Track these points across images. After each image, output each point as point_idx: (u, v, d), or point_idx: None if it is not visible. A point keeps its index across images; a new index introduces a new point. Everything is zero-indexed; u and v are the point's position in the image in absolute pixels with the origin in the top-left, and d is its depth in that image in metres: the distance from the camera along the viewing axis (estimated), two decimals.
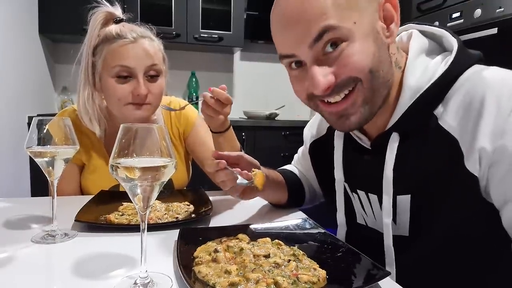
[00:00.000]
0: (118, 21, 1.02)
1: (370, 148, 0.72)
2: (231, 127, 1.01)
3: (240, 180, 0.75)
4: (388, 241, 0.68)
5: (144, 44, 0.99)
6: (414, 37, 0.69)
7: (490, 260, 0.64)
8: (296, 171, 1.02)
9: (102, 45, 0.99)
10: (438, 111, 0.63)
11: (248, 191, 0.83)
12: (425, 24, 0.71)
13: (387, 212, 0.67)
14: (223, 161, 0.75)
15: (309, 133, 0.94)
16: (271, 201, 0.96)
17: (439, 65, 0.64)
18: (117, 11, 1.03)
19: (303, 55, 0.61)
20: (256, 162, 0.84)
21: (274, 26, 0.64)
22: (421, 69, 0.65)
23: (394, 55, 0.65)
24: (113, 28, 0.99)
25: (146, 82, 1.00)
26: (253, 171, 0.77)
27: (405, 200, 0.67)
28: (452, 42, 0.66)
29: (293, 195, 0.95)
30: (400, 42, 0.72)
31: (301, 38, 0.60)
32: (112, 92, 0.99)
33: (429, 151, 0.63)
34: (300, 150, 1.04)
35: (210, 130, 1.01)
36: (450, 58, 0.63)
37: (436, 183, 0.63)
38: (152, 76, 1.01)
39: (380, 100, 0.64)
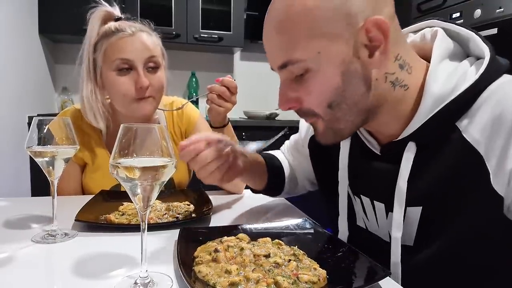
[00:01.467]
0: (117, 19, 1.04)
1: (379, 154, 0.69)
2: (230, 122, 1.09)
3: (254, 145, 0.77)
4: (396, 257, 0.64)
5: (142, 37, 1.00)
6: (439, 38, 0.64)
7: (498, 273, 0.61)
8: (282, 159, 1.00)
9: (101, 41, 1.00)
10: (462, 122, 0.58)
11: (228, 173, 0.79)
12: (451, 22, 0.66)
13: (397, 226, 0.63)
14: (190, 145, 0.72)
15: (307, 125, 0.90)
16: (250, 184, 0.96)
17: (467, 72, 0.60)
18: (116, 10, 1.05)
19: (278, 73, 0.65)
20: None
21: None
22: (444, 75, 0.60)
23: (392, 74, 0.60)
24: (112, 24, 1.01)
25: (147, 73, 1.01)
26: None
27: (415, 211, 0.63)
28: (483, 49, 0.61)
29: (271, 181, 0.94)
30: (423, 41, 0.68)
31: (272, 61, 0.64)
32: (114, 85, 1.00)
33: (448, 164, 0.59)
34: (293, 138, 1.00)
35: (211, 126, 1.07)
36: (482, 67, 0.58)
37: (452, 197, 0.59)
38: (152, 67, 1.02)
39: (357, 119, 0.62)
